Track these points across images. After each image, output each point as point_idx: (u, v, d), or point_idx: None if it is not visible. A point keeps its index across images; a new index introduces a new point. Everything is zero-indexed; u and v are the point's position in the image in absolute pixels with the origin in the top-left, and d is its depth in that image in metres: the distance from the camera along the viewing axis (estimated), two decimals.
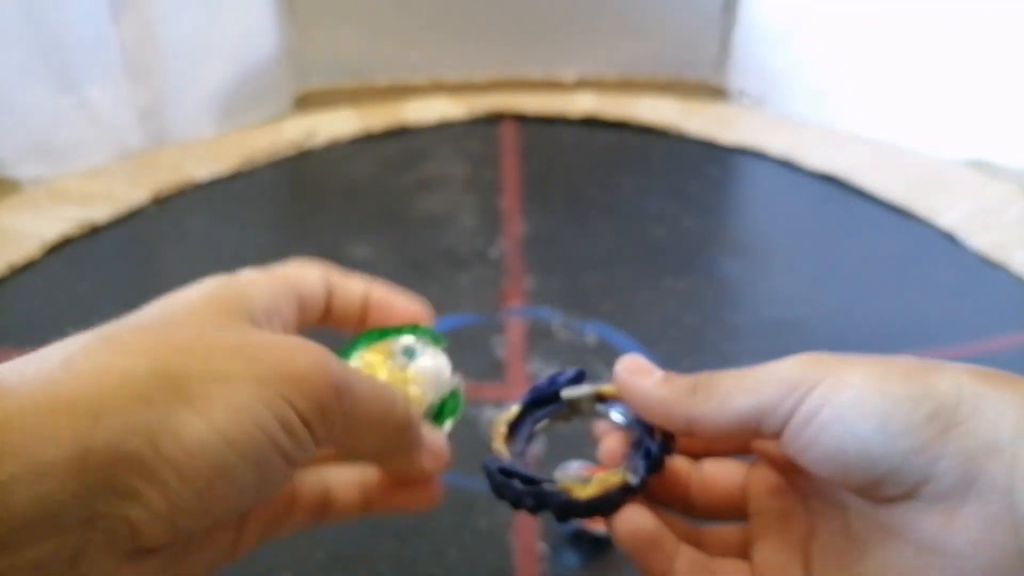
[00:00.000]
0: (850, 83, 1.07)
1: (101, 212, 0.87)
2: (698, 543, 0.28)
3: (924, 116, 1.01)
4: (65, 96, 0.93)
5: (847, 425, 0.23)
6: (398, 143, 1.05)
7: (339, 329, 0.32)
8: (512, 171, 0.99)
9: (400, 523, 0.53)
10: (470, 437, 0.60)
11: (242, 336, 0.20)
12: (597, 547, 0.52)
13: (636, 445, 0.29)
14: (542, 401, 0.32)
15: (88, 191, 0.92)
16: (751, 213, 0.98)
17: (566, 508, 0.27)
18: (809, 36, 1.09)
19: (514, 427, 0.32)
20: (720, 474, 0.29)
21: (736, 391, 0.25)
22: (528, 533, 0.52)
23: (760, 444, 0.30)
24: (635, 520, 0.26)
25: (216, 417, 0.18)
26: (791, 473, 0.28)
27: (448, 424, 0.32)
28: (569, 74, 1.20)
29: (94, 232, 0.86)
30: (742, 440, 0.29)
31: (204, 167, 0.97)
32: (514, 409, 0.32)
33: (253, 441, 0.18)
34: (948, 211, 0.88)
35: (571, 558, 0.52)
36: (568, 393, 0.31)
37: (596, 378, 0.32)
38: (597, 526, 0.51)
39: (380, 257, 0.83)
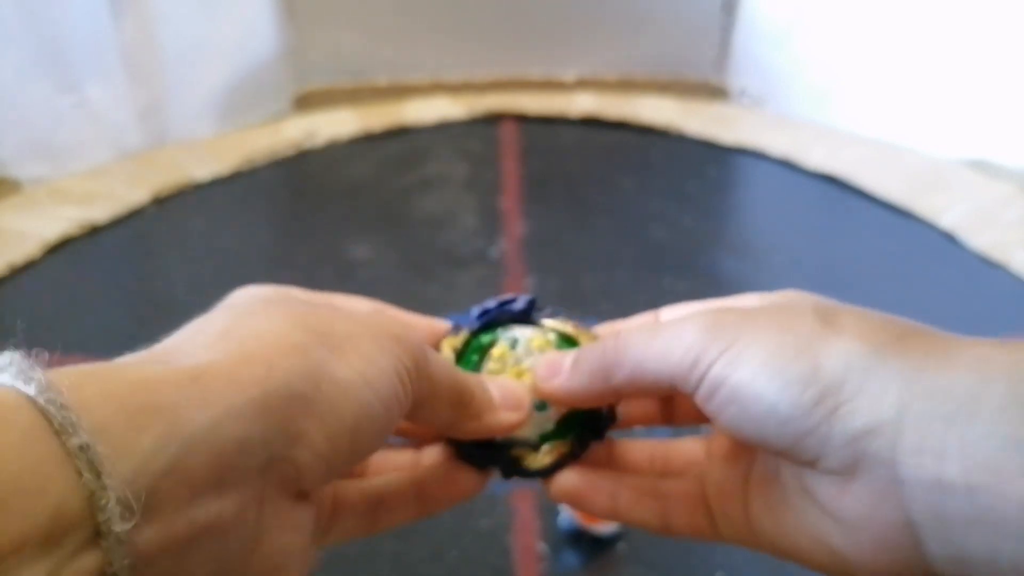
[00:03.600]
0: (850, 83, 1.07)
1: (101, 212, 0.87)
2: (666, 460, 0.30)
3: (924, 116, 1.01)
4: (65, 96, 0.93)
5: (742, 406, 0.24)
6: (398, 143, 1.05)
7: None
8: (512, 171, 0.99)
9: None
10: None
11: (343, 315, 0.25)
12: (597, 547, 0.52)
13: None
14: (491, 327, 0.30)
15: (88, 191, 0.92)
16: (751, 213, 0.98)
17: (516, 472, 0.28)
18: (809, 35, 1.09)
19: (460, 354, 0.30)
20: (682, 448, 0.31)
21: (646, 360, 0.26)
22: (528, 533, 0.52)
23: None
24: (563, 483, 0.28)
25: (357, 365, 0.22)
26: None
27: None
28: (569, 74, 1.20)
29: (94, 232, 0.86)
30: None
31: (204, 167, 0.97)
32: (462, 335, 0.30)
33: (385, 384, 0.22)
34: (948, 211, 0.88)
35: (571, 558, 0.52)
36: (551, 324, 0.31)
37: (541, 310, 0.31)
38: (597, 526, 0.52)
39: (380, 257, 0.83)
